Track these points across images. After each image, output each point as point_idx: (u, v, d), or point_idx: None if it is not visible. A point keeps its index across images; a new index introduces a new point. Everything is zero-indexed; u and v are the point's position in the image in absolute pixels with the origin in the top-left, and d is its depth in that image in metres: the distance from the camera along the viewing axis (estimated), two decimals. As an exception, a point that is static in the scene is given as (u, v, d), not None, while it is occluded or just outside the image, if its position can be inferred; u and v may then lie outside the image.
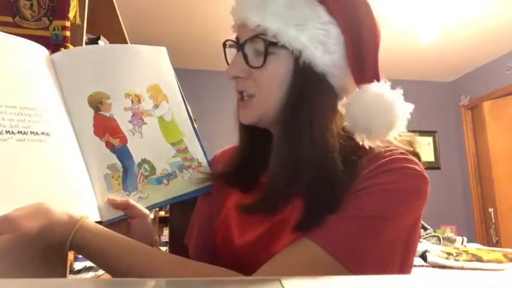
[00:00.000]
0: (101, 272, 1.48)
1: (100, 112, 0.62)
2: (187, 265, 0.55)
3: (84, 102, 0.62)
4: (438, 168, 4.51)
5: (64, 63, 0.62)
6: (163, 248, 2.25)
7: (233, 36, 0.63)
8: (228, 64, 0.61)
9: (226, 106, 3.80)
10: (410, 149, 0.59)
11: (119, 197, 0.62)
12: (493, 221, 3.97)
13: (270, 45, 0.55)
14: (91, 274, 1.40)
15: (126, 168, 0.62)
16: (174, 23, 3.38)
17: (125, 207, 0.61)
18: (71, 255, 1.31)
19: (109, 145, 0.62)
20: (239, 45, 0.59)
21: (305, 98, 0.55)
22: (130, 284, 0.37)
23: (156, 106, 0.65)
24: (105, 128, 0.62)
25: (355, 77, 0.57)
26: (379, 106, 0.54)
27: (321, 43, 0.55)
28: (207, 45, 3.72)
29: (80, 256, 1.39)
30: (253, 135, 0.65)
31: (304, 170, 0.53)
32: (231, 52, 0.63)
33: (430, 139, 4.55)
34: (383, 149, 0.56)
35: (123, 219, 0.62)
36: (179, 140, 0.66)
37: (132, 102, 0.64)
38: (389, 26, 3.37)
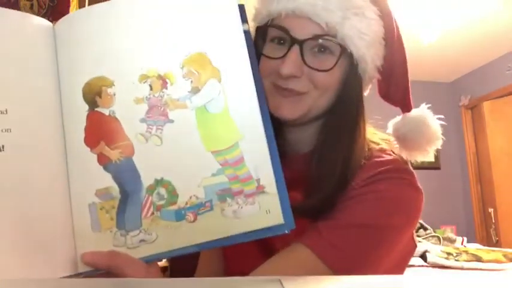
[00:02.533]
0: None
1: (96, 108, 0.42)
2: None
3: (77, 93, 0.42)
4: (438, 168, 4.50)
5: (64, 35, 0.43)
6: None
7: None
8: (261, 53, 0.56)
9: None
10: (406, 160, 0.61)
11: (105, 240, 0.41)
12: (493, 221, 3.97)
13: (343, 53, 0.54)
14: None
15: (126, 194, 0.40)
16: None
17: (107, 263, 0.39)
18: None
19: (103, 159, 0.41)
20: (297, 40, 0.53)
21: (349, 100, 0.57)
22: (130, 284, 0.36)
23: (196, 90, 0.41)
24: (101, 132, 0.41)
25: (381, 92, 0.62)
26: (428, 129, 0.61)
27: (376, 56, 0.57)
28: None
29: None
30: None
31: (347, 170, 0.54)
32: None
33: (430, 139, 4.55)
34: (385, 158, 0.58)
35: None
36: (231, 146, 0.40)
37: (151, 89, 0.41)
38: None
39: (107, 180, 0.41)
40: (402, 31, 0.62)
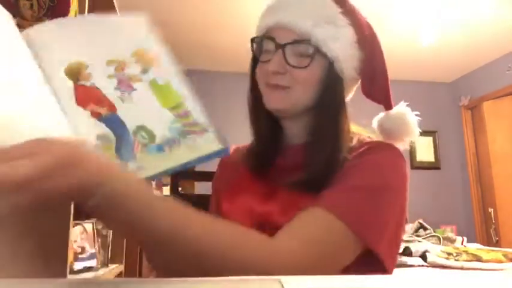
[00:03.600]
0: (101, 272, 1.49)
1: (79, 82, 0.57)
2: (249, 235, 0.53)
3: (62, 74, 0.56)
4: (438, 168, 4.51)
5: (38, 36, 0.58)
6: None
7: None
8: (257, 58, 0.71)
9: (229, 106, 3.80)
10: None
11: None
12: (493, 221, 3.97)
13: (317, 53, 0.66)
14: (91, 274, 1.40)
15: (119, 137, 0.55)
16: (174, 23, 3.38)
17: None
18: (70, 255, 1.31)
19: (95, 114, 0.55)
20: (280, 45, 0.67)
21: (331, 96, 0.68)
22: (130, 284, 0.37)
23: (145, 70, 0.60)
24: (88, 97, 0.56)
25: (364, 90, 0.72)
26: (407, 125, 0.74)
27: (350, 56, 0.69)
28: (207, 45, 3.73)
29: (80, 256, 1.40)
30: (267, 126, 0.74)
31: (335, 157, 0.65)
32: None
33: (430, 139, 4.55)
34: (369, 140, 0.70)
35: None
36: (178, 104, 0.59)
37: (116, 70, 0.58)
38: (390, 27, 3.38)
39: (103, 128, 0.55)
40: (378, 38, 0.74)
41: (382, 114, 0.75)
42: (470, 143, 4.39)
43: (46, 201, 0.37)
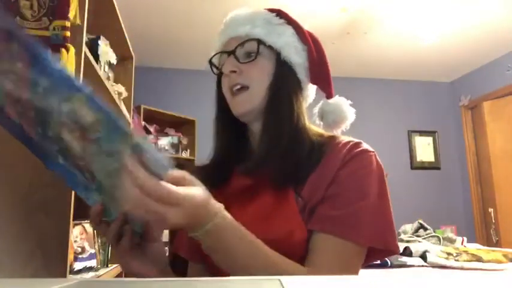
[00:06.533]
0: (101, 272, 1.49)
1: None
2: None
3: None
4: (438, 168, 4.51)
5: None
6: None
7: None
8: (215, 73, 0.81)
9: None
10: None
11: None
12: (493, 221, 3.97)
13: (260, 45, 0.74)
14: (91, 274, 1.40)
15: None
16: (174, 23, 3.38)
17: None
18: (70, 255, 1.31)
19: None
20: (231, 51, 0.76)
21: (284, 87, 0.75)
22: (131, 284, 0.37)
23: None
24: None
25: (312, 77, 0.79)
26: (342, 112, 0.81)
27: (294, 47, 0.77)
28: (207, 45, 3.72)
29: (80, 256, 1.39)
30: (231, 133, 0.80)
31: (284, 141, 0.70)
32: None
33: (430, 139, 4.55)
34: (340, 138, 0.75)
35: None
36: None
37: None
38: (390, 27, 3.38)
39: None
40: (320, 43, 0.81)
41: (322, 102, 0.82)
42: (470, 143, 4.39)
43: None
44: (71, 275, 1.27)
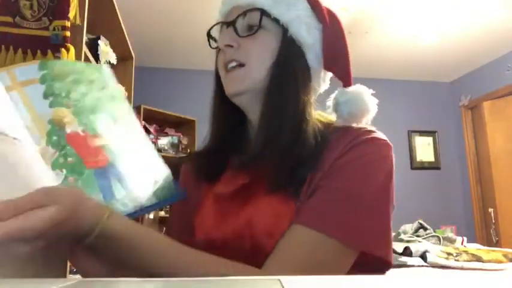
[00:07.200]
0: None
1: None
2: (232, 266, 0.51)
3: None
4: (438, 168, 4.51)
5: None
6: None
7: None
8: (212, 47, 0.69)
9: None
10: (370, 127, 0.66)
11: None
12: (493, 221, 3.97)
13: (263, 16, 0.62)
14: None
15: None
16: (175, 23, 3.38)
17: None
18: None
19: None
20: (230, 22, 0.65)
21: (289, 69, 0.63)
22: (130, 284, 0.37)
23: None
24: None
25: (326, 63, 0.66)
26: (361, 102, 0.65)
27: (305, 23, 0.64)
28: (207, 45, 3.72)
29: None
30: (227, 119, 0.70)
31: (286, 133, 0.60)
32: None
33: (430, 139, 4.55)
34: (354, 127, 0.63)
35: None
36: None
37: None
38: (390, 27, 3.38)
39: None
40: (340, 22, 0.69)
41: (338, 90, 0.68)
42: (470, 143, 4.39)
43: (57, 244, 0.41)
44: (70, 275, 1.27)
